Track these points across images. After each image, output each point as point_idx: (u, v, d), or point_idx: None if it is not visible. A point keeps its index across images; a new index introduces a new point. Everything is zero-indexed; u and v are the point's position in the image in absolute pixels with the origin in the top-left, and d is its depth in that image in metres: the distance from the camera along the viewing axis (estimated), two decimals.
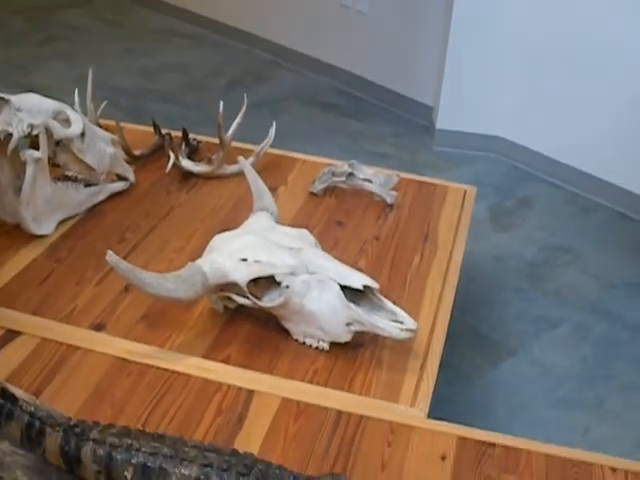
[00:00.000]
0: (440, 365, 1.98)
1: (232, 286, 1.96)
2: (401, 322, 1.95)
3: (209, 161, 2.73)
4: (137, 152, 2.76)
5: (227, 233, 2.08)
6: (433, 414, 1.82)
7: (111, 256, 1.83)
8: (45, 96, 2.27)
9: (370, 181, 2.72)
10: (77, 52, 5.91)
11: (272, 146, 2.82)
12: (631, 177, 4.02)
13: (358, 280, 1.96)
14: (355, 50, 5.32)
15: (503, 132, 4.63)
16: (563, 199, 4.33)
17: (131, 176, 2.60)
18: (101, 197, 2.51)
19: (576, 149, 4.32)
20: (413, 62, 4.99)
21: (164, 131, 2.86)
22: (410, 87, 5.05)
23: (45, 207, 2.28)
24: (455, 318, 3.09)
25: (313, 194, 2.71)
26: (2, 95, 2.13)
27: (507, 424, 2.84)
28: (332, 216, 2.60)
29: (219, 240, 2.05)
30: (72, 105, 2.46)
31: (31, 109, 2.17)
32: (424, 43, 4.88)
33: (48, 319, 2.02)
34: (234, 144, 2.79)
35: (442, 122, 4.69)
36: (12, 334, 1.95)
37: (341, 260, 2.05)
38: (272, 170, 2.83)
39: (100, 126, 2.67)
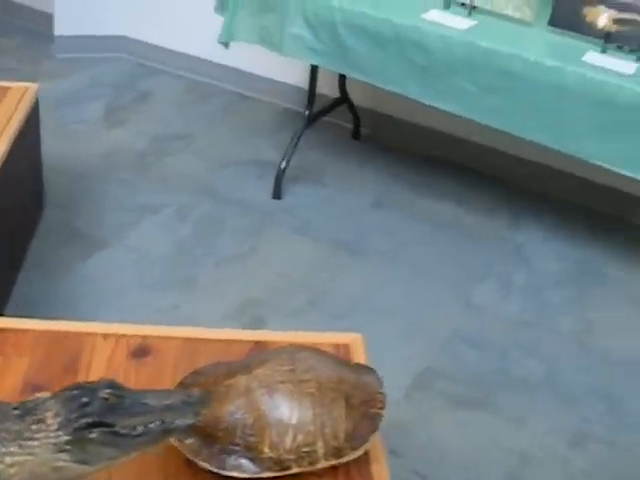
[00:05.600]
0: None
1: None
2: None
3: None
4: None
5: None
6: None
7: None
8: None
9: None
10: None
11: None
12: (251, 59, 3.97)
13: None
14: None
15: (125, 30, 4.51)
16: (184, 88, 4.29)
17: None
18: None
19: (194, 38, 4.24)
20: None
21: None
22: None
23: None
24: (50, 216, 3.00)
25: None
26: None
27: (95, 313, 2.76)
28: None
29: None
30: None
31: None
32: None
33: None
34: None
35: (60, 28, 4.50)
36: None
37: None
38: None
39: None
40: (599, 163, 2.85)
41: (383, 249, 3.24)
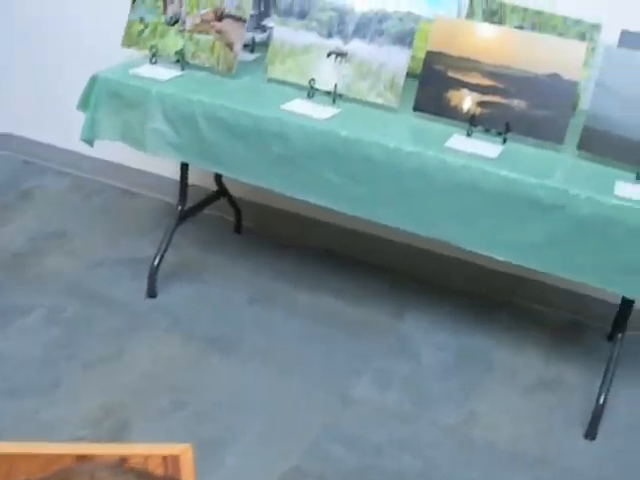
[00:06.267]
0: None
1: None
2: None
3: None
4: None
5: None
6: None
7: None
8: None
9: None
10: None
11: None
12: (132, 153, 3.90)
13: None
14: None
15: (10, 128, 4.45)
16: (68, 185, 4.22)
17: None
18: None
19: (78, 134, 4.16)
20: None
21: None
22: None
23: None
24: None
25: None
26: None
27: None
28: None
29: None
30: None
31: None
32: None
33: None
34: None
35: None
36: None
37: None
38: None
39: None
40: (466, 247, 2.79)
41: (257, 346, 3.15)
